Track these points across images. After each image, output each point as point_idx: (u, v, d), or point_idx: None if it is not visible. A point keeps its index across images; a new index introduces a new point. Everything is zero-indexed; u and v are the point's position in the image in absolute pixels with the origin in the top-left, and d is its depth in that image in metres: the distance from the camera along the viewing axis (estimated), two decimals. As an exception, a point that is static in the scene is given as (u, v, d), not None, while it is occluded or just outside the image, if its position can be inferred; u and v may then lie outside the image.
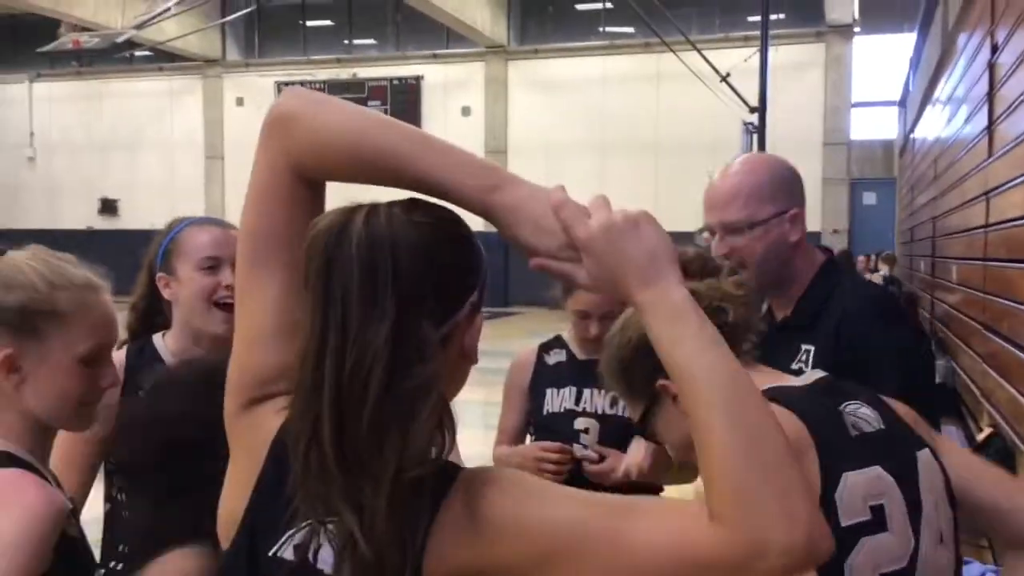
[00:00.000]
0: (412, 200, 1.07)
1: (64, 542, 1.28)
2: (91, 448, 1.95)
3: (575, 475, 2.39)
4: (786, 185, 2.01)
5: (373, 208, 1.02)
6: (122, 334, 1.75)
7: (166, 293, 2.07)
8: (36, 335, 1.34)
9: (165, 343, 2.08)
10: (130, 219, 25.26)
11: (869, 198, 22.03)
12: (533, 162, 23.64)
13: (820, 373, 1.43)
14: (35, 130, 27.83)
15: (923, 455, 1.35)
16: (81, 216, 25.73)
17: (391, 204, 1.04)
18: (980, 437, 4.30)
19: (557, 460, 2.40)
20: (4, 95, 28.49)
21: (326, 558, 0.97)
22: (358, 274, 0.95)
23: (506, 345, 2.69)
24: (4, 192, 28.47)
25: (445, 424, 0.96)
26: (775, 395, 1.28)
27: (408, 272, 0.96)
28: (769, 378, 1.40)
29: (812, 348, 1.85)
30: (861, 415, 1.35)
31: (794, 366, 1.91)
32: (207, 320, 2.01)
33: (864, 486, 1.26)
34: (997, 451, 3.86)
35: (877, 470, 1.29)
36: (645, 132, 22.59)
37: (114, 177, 26.83)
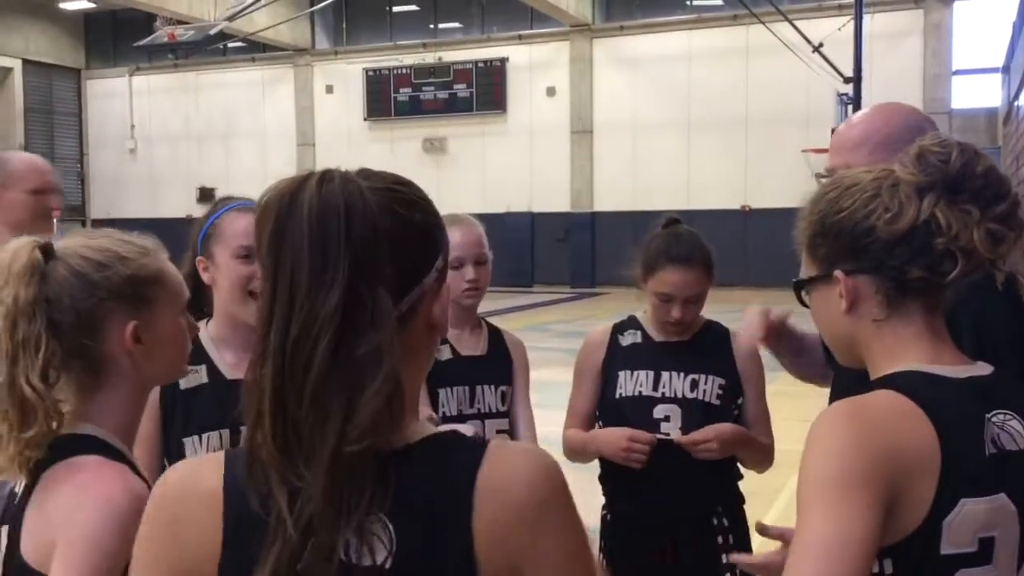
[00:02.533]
0: (364, 169, 1.03)
1: None
2: (156, 434, 2.00)
3: (655, 463, 2.33)
4: (915, 134, 1.89)
5: (326, 174, 0.96)
6: None
7: (205, 277, 2.06)
8: (148, 302, 1.38)
9: (208, 331, 2.08)
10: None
11: (972, 169, 21.17)
12: (619, 141, 23.44)
13: (985, 368, 1.26)
14: (135, 122, 28.85)
15: None
16: (180, 205, 26.55)
17: (345, 172, 0.99)
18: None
19: (645, 450, 2.32)
20: (106, 89, 29.60)
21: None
22: (308, 240, 0.92)
23: (593, 325, 2.65)
24: (108, 183, 29.65)
25: (395, 398, 0.92)
26: (920, 386, 1.17)
27: (361, 238, 0.92)
28: (928, 354, 1.22)
29: None
30: (1008, 428, 1.20)
31: None
32: (242, 309, 2.01)
33: (981, 516, 1.14)
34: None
35: (1001, 498, 1.16)
36: (734, 108, 22.13)
37: (211, 166, 27.60)
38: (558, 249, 23.81)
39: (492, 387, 2.52)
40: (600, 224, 23.12)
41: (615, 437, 2.37)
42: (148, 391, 1.46)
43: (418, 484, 0.94)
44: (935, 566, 1.12)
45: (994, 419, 1.19)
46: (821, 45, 16.06)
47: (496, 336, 2.62)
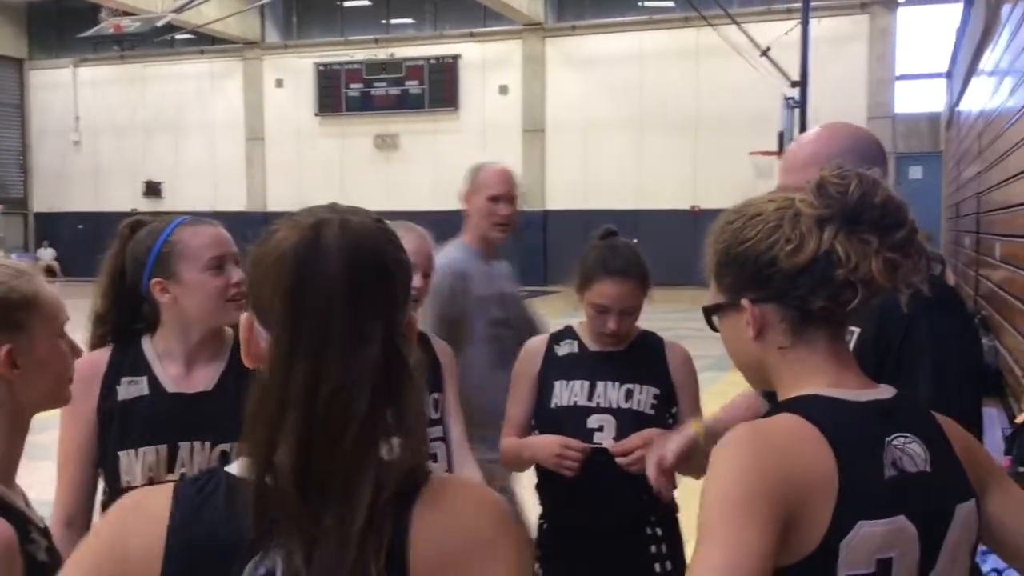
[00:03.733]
0: (340, 206, 1.02)
1: (33, 568, 1.26)
2: (89, 443, 1.96)
3: (589, 471, 2.32)
4: (869, 157, 1.81)
5: (336, 220, 0.96)
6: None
7: (164, 298, 1.98)
8: (21, 326, 1.35)
9: (153, 345, 2.03)
10: (174, 201, 25.60)
11: (915, 172, 21.64)
12: (571, 140, 23.55)
13: (888, 391, 1.27)
14: (80, 114, 28.27)
15: (964, 508, 1.23)
16: (126, 198, 26.07)
17: (341, 215, 0.98)
18: (1020, 419, 4.25)
19: (578, 458, 2.31)
20: (49, 80, 28.95)
21: None
22: (343, 289, 0.92)
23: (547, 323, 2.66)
24: (52, 176, 29.00)
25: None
26: (820, 410, 1.20)
27: (389, 283, 0.96)
28: (830, 378, 1.25)
29: (857, 330, 1.79)
30: (908, 450, 1.21)
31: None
32: (223, 315, 1.99)
33: (878, 538, 1.15)
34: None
35: (900, 520, 1.17)
36: (684, 108, 22.37)
37: (158, 160, 27.17)
38: (509, 247, 23.79)
39: (428, 396, 2.47)
40: (551, 222, 23.20)
41: (549, 444, 2.36)
42: (26, 420, 1.42)
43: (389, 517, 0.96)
44: None
45: (894, 442, 1.21)
46: (769, 49, 16.32)
47: (424, 343, 2.57)
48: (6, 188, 29.07)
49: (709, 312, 1.35)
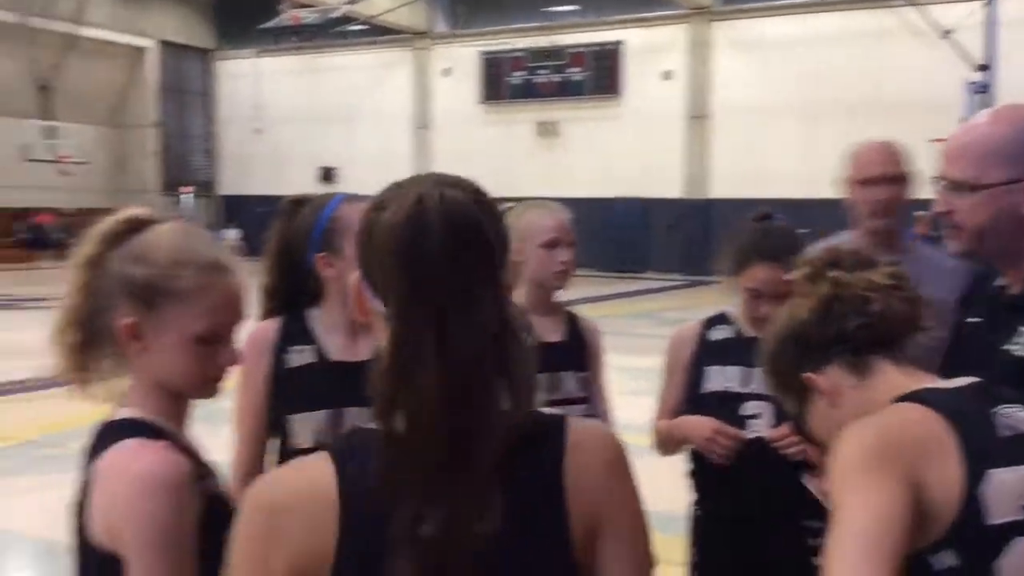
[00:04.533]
0: (445, 177, 1.09)
1: (212, 501, 1.37)
2: (262, 408, 2.09)
3: (743, 460, 2.30)
4: None
5: (435, 192, 1.03)
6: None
7: (328, 272, 2.06)
8: (155, 309, 1.39)
9: (319, 317, 2.10)
10: (347, 187, 26.56)
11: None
12: (737, 127, 22.98)
13: (971, 379, 1.35)
14: (261, 103, 29.84)
15: None
16: (303, 183, 27.25)
17: (440, 189, 1.05)
18: None
19: (729, 446, 2.28)
20: (234, 70, 30.72)
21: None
22: (451, 258, 1.00)
23: (703, 314, 2.64)
24: (235, 161, 30.82)
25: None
26: (914, 396, 1.28)
27: (487, 252, 1.04)
28: (914, 380, 1.35)
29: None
30: (1018, 416, 1.27)
31: (1010, 346, 1.71)
32: None
33: (1014, 484, 1.20)
34: None
35: None
36: (858, 94, 21.37)
37: (332, 147, 28.35)
38: (670, 235, 23.55)
39: (572, 374, 2.53)
40: (715, 211, 22.75)
41: (701, 425, 2.33)
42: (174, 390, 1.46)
43: (523, 459, 1.05)
44: (988, 539, 1.17)
45: (1001, 411, 1.27)
46: (951, 31, 15.39)
47: (573, 322, 2.63)
48: (196, 172, 31.11)
49: (798, 417, 1.49)
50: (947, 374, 1.43)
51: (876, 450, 1.20)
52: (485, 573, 1.01)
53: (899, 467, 1.18)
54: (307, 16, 25.09)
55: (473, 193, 1.07)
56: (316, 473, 1.03)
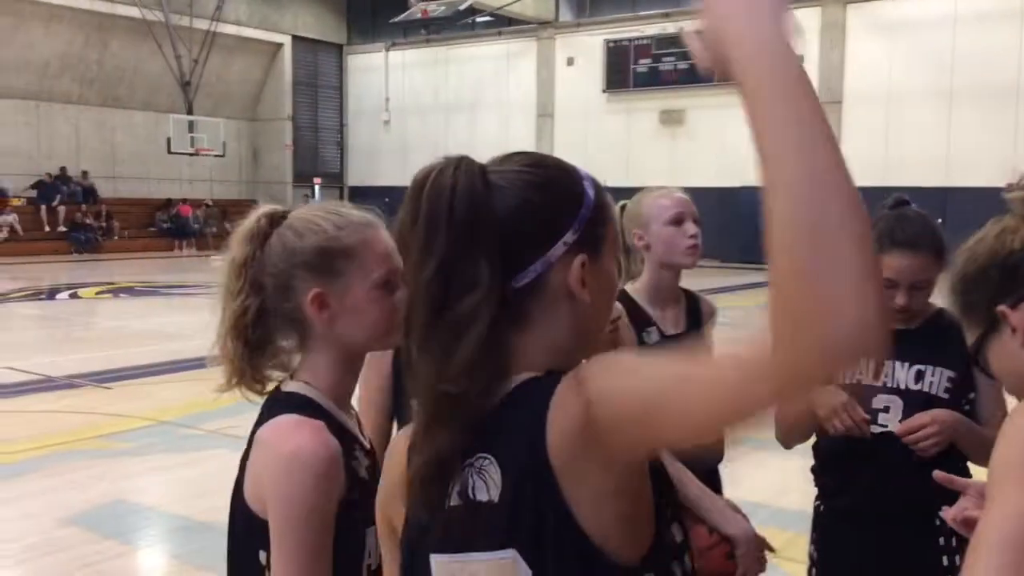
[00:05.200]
0: (515, 152, 1.15)
1: (355, 482, 1.43)
2: (387, 391, 2.18)
3: (870, 454, 2.23)
4: None
5: (453, 161, 1.09)
6: None
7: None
8: (335, 273, 1.47)
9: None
10: (469, 176, 26.96)
11: None
12: (871, 113, 22.12)
13: None
14: (389, 95, 30.51)
15: None
16: (427, 173, 27.77)
17: (471, 161, 1.11)
18: None
19: (851, 426, 2.21)
20: (364, 64, 31.53)
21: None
22: (422, 219, 1.05)
23: None
24: (363, 152, 31.64)
25: (491, 353, 1.04)
26: None
27: (464, 219, 1.04)
28: None
29: None
30: None
31: None
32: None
33: None
34: None
35: None
36: (1003, 76, 20.24)
37: (456, 137, 28.75)
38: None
39: None
40: (845, 200, 21.96)
41: (833, 397, 2.24)
42: (355, 355, 1.55)
43: (514, 424, 1.03)
44: None
45: None
46: (1113, 5, 14.35)
47: (695, 307, 2.66)
48: (326, 163, 32.10)
49: (977, 346, 1.36)
50: None
51: None
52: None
53: None
54: (435, 9, 25.48)
55: (517, 169, 1.11)
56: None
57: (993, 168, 20.41)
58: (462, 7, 24.80)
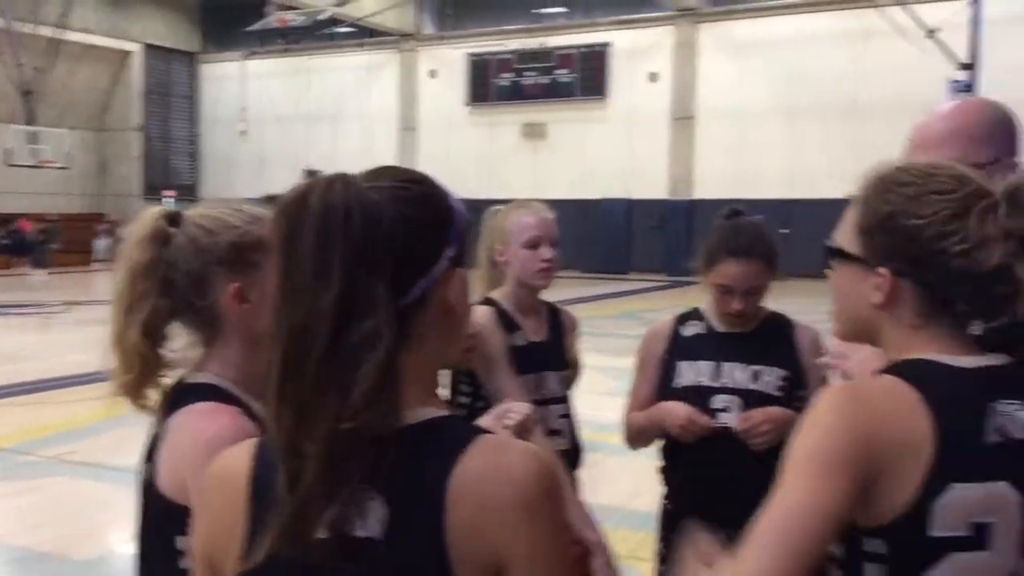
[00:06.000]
0: (381, 168, 1.12)
1: None
2: None
3: (713, 452, 2.33)
4: (1005, 133, 1.82)
5: (335, 178, 1.05)
6: None
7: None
8: (252, 265, 1.50)
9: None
10: (331, 188, 26.58)
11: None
12: (722, 128, 23.06)
13: (1001, 358, 1.22)
14: (247, 105, 29.78)
15: None
16: (287, 185, 27.04)
17: (356, 174, 1.08)
18: None
19: (700, 433, 2.32)
20: (219, 72, 30.67)
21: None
22: (312, 240, 1.00)
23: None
24: (219, 163, 30.73)
25: (389, 380, 0.99)
26: (924, 374, 1.17)
27: (359, 237, 1.00)
28: (940, 345, 1.21)
29: None
30: (1018, 416, 1.17)
31: None
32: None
33: (975, 501, 1.13)
34: None
35: (1000, 486, 1.14)
36: (843, 94, 21.51)
37: (317, 148, 28.31)
38: (654, 236, 23.61)
39: (555, 373, 2.64)
40: (699, 212, 22.82)
41: (677, 411, 2.37)
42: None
43: (406, 467, 1.00)
44: (924, 548, 1.13)
45: (1001, 408, 1.17)
46: (936, 30, 15.48)
47: (555, 318, 2.74)
48: (179, 175, 31.01)
49: (835, 253, 1.30)
50: None
51: (841, 453, 1.12)
52: None
53: (858, 469, 1.12)
54: (294, 18, 25.05)
55: (394, 184, 1.07)
56: (240, 455, 1.11)
57: (834, 181, 21.64)
58: (321, 17, 24.47)
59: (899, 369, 1.20)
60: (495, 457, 1.00)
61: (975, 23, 14.04)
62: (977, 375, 1.20)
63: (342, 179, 1.05)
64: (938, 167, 1.24)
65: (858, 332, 1.31)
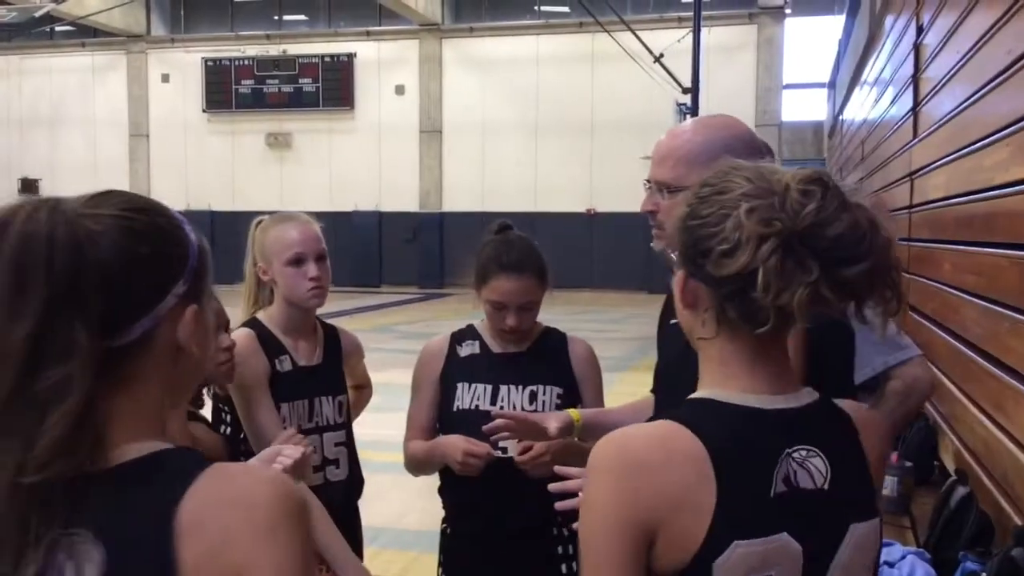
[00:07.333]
0: (105, 193, 1.01)
1: None
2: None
3: (492, 478, 2.28)
4: (729, 154, 1.87)
5: (42, 204, 0.95)
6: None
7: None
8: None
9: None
10: (52, 199, 24.47)
11: (799, 178, 22.39)
12: (468, 142, 23.53)
13: (805, 397, 1.18)
14: (-51, 107, 26.79)
15: (860, 527, 1.16)
16: (1, 196, 24.80)
17: (74, 199, 0.98)
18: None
19: (480, 465, 2.25)
20: (-85, 69, 27.33)
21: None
22: (7, 275, 0.91)
23: (439, 327, 2.61)
24: (-83, 171, 27.36)
25: (86, 425, 0.91)
26: (712, 421, 1.13)
27: (62, 271, 0.91)
28: (742, 382, 1.16)
29: None
30: (807, 466, 1.13)
31: None
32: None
33: (756, 557, 1.09)
34: (919, 431, 3.95)
35: (782, 538, 1.10)
36: (579, 113, 22.61)
37: (35, 156, 25.97)
38: (406, 249, 23.66)
39: (330, 399, 2.49)
40: (449, 224, 23.13)
41: (455, 446, 2.29)
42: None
43: (122, 505, 0.92)
44: None
45: (795, 455, 1.13)
46: (662, 56, 16.61)
47: (332, 340, 2.58)
48: None
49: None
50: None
51: (622, 515, 1.08)
52: None
53: (639, 531, 1.08)
54: (5, 15, 22.79)
55: (116, 214, 0.96)
56: None
57: (572, 196, 22.71)
58: (38, 14, 22.46)
59: (686, 413, 1.16)
60: (227, 484, 0.94)
61: (695, 50, 15.18)
62: (772, 419, 1.15)
63: (49, 205, 0.93)
64: (741, 167, 1.18)
65: (690, 339, 1.26)
